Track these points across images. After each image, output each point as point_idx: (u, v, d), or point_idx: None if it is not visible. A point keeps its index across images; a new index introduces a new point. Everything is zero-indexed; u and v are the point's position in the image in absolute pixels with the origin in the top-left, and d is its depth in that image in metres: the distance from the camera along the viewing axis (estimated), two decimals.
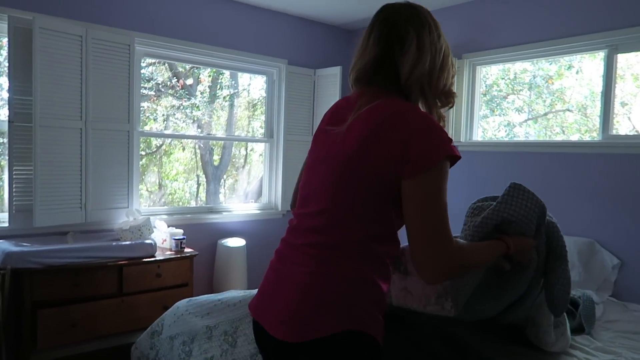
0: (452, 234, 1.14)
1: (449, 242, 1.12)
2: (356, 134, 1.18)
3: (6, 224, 3.09)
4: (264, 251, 4.40)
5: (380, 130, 1.15)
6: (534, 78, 3.78)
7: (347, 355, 1.11)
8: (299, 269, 1.19)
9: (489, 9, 3.73)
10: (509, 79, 3.94)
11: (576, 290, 2.93)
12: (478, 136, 3.93)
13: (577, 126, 3.59)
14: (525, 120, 3.90)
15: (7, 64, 3.04)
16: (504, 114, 3.99)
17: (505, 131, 3.97)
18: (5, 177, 3.15)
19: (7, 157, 3.09)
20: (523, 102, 3.87)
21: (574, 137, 3.53)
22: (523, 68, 3.75)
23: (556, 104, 3.71)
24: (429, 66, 1.20)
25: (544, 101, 3.75)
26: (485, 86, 3.98)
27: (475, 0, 3.81)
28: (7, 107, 3.06)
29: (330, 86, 4.39)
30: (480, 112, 3.95)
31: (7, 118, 3.04)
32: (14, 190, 3.07)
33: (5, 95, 3.11)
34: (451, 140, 1.17)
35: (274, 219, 4.44)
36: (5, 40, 3.18)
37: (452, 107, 1.30)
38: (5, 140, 3.15)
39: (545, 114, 3.76)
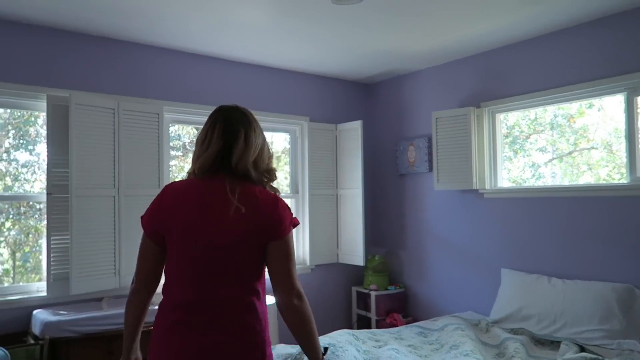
0: None
1: None
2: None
3: (44, 293, 3.18)
4: None
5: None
6: (555, 117, 3.78)
7: None
8: None
9: (503, 57, 3.81)
10: (529, 119, 3.95)
11: (618, 341, 2.83)
12: (503, 181, 3.91)
13: (605, 163, 3.55)
14: (550, 160, 3.87)
15: (45, 140, 3.21)
16: (527, 155, 3.98)
17: (531, 172, 3.94)
18: (44, 247, 3.27)
19: (45, 228, 3.21)
20: (546, 142, 3.86)
21: (602, 173, 3.48)
22: (543, 108, 3.76)
23: (580, 142, 3.68)
24: (254, 153, 1.51)
25: (568, 140, 3.73)
26: (507, 127, 4.00)
27: (489, 50, 3.90)
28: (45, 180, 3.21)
29: (352, 140, 4.47)
30: (504, 154, 3.95)
31: (45, 190, 3.19)
32: (52, 259, 3.17)
33: (44, 166, 3.27)
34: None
35: (304, 274, 4.44)
36: (41, 114, 3.39)
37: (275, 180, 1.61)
38: (44, 210, 3.29)
39: (570, 153, 3.73)
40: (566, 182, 3.65)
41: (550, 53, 3.52)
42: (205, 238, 1.44)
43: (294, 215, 1.57)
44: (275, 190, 1.58)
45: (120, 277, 3.35)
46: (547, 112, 3.80)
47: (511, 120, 4.00)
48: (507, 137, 4.00)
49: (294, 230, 1.56)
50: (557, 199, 3.46)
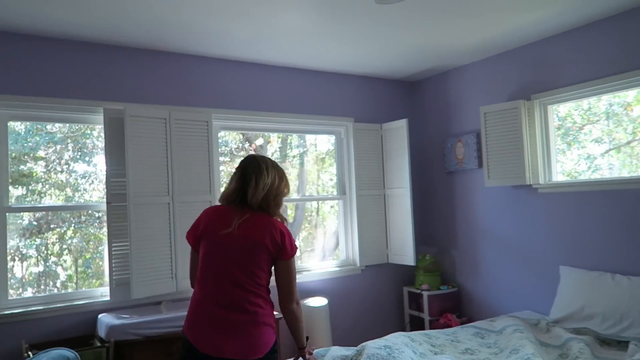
0: None
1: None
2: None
3: (108, 298, 3.32)
4: (346, 308, 4.39)
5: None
6: (610, 106, 3.62)
7: None
8: None
9: (553, 47, 3.68)
10: (582, 109, 3.80)
11: None
12: (558, 175, 3.78)
13: None
14: (607, 151, 3.71)
15: (101, 152, 3.36)
16: (582, 147, 3.82)
17: (586, 164, 3.78)
18: (105, 254, 3.41)
19: (104, 235, 3.36)
20: (602, 132, 3.70)
21: None
22: (597, 97, 3.61)
23: (639, 131, 3.51)
24: (263, 191, 2.05)
25: (625, 129, 3.56)
26: (558, 119, 3.86)
27: (538, 40, 3.77)
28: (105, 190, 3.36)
29: (398, 139, 4.43)
30: (556, 147, 3.81)
31: (105, 200, 3.34)
32: (113, 265, 3.31)
33: (101, 177, 3.42)
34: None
35: (354, 275, 4.44)
36: (97, 127, 3.54)
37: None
38: (103, 218, 3.44)
39: (629, 142, 3.56)
40: (625, 174, 3.48)
41: (603, 40, 3.37)
42: (219, 242, 1.99)
43: (295, 240, 2.10)
44: (283, 219, 2.13)
45: (177, 281, 3.46)
46: (602, 101, 3.64)
47: (563, 111, 3.85)
48: (559, 129, 3.86)
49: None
50: (616, 192, 3.30)
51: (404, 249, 4.39)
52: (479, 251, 4.29)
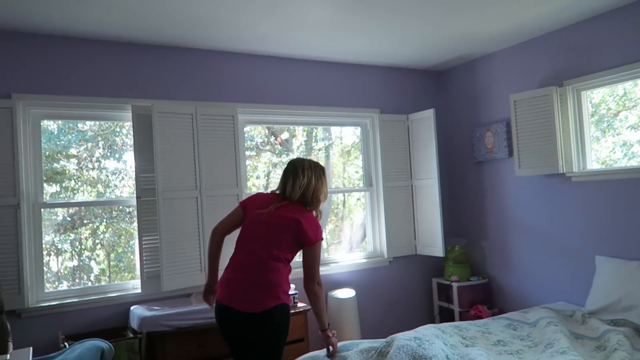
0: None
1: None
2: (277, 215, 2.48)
3: (139, 290, 3.39)
4: (374, 300, 4.37)
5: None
6: None
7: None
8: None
9: (587, 31, 3.55)
10: (617, 95, 3.66)
11: None
12: (592, 164, 3.65)
13: None
14: None
15: (130, 148, 3.42)
16: (617, 134, 3.68)
17: (622, 152, 3.65)
18: (136, 247, 3.48)
19: (135, 230, 3.42)
20: (638, 118, 3.56)
21: None
22: (634, 82, 3.47)
23: None
24: (300, 189, 2.50)
25: None
26: (592, 106, 3.73)
27: (570, 25, 3.65)
28: (134, 186, 3.42)
29: (425, 129, 4.37)
30: (591, 134, 3.69)
31: (135, 195, 3.40)
32: (144, 258, 3.37)
33: (131, 173, 3.48)
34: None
35: (381, 267, 4.41)
36: (126, 124, 3.61)
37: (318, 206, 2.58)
38: (134, 213, 3.50)
39: None
40: None
41: (637, 22, 3.23)
42: (258, 221, 2.46)
43: (322, 231, 2.51)
44: (317, 213, 2.57)
45: (206, 274, 3.49)
46: (638, 86, 3.49)
47: (596, 98, 3.72)
48: (592, 116, 3.73)
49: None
50: None
51: (432, 240, 4.34)
52: (510, 242, 4.20)
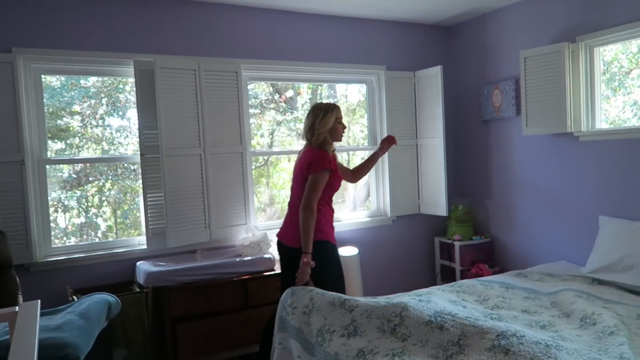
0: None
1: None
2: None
3: (145, 246, 3.44)
4: (377, 258, 4.42)
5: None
6: None
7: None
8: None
9: None
10: (631, 52, 3.55)
11: None
12: (601, 123, 3.59)
13: None
14: None
15: (134, 105, 3.39)
16: (628, 93, 3.60)
17: (632, 111, 3.58)
18: (141, 204, 3.51)
19: (141, 187, 3.44)
20: None
21: None
22: None
23: None
24: (308, 128, 2.84)
25: None
26: (604, 64, 3.63)
27: None
28: (138, 142, 3.41)
29: (432, 87, 4.29)
30: (601, 93, 3.60)
31: (139, 152, 3.39)
32: (149, 215, 3.40)
33: (135, 130, 3.46)
34: (326, 163, 2.73)
35: (385, 226, 4.44)
36: (129, 81, 3.57)
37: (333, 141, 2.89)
38: (138, 170, 3.51)
39: None
40: None
41: None
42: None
43: (323, 164, 2.71)
44: (322, 148, 2.78)
45: (210, 231, 3.53)
46: None
47: (609, 55, 3.61)
48: (604, 74, 3.64)
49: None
50: None
51: (436, 199, 4.34)
52: (514, 201, 4.19)
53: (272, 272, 3.38)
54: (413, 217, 4.58)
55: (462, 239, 4.30)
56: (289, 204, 2.90)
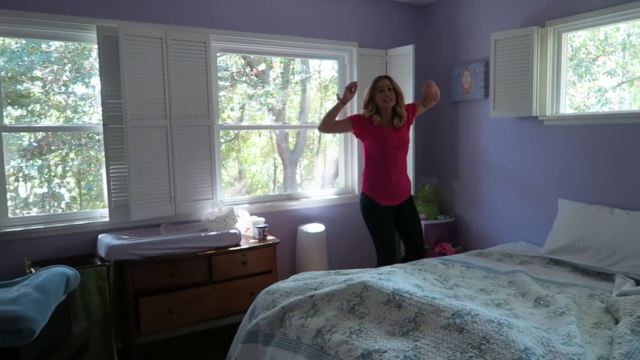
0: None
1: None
2: None
3: (107, 219, 3.38)
4: (343, 235, 4.46)
5: None
6: (628, 37, 3.44)
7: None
8: None
9: None
10: (598, 40, 3.61)
11: None
12: (566, 108, 3.66)
13: None
14: (619, 84, 3.57)
15: (98, 72, 3.27)
16: (593, 79, 3.68)
17: (596, 97, 3.66)
18: (104, 176, 3.43)
19: (103, 158, 3.35)
20: (616, 64, 3.54)
21: None
22: (615, 27, 3.42)
23: None
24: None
25: None
26: (572, 50, 3.68)
27: None
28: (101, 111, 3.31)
29: (404, 65, 4.28)
30: (567, 79, 3.67)
31: (101, 122, 3.29)
32: (111, 187, 3.33)
33: (100, 99, 3.35)
34: (355, 117, 3.50)
35: (352, 203, 4.47)
36: (94, 47, 3.44)
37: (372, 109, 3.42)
38: (101, 141, 3.41)
39: None
40: (635, 108, 3.36)
41: None
42: None
43: (355, 116, 3.52)
44: (367, 113, 3.41)
45: (176, 205, 3.49)
46: (620, 32, 3.45)
47: (577, 41, 3.67)
48: (571, 60, 3.70)
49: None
50: (623, 126, 3.21)
51: None
52: (479, 182, 4.27)
53: (238, 248, 3.37)
54: None
55: (427, 218, 4.37)
56: None
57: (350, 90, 3.33)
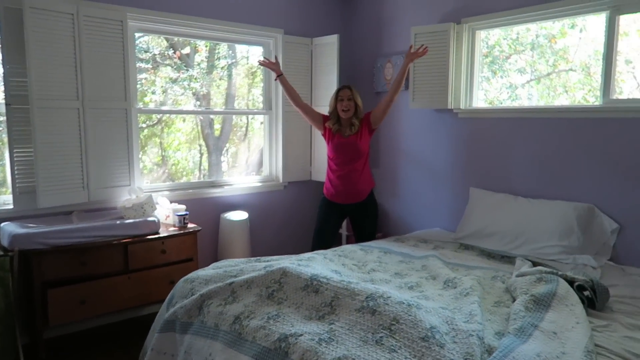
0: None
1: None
2: None
3: (11, 206, 3.15)
4: (266, 223, 4.47)
5: None
6: (537, 37, 3.70)
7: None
8: None
9: None
10: (511, 39, 3.85)
11: (574, 256, 2.97)
12: (479, 102, 3.88)
13: (581, 85, 3.53)
14: (528, 82, 3.84)
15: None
16: (506, 76, 3.92)
17: (508, 93, 3.91)
18: (7, 160, 3.18)
19: (7, 140, 3.11)
20: (526, 63, 3.80)
21: (578, 96, 3.48)
22: (526, 27, 3.66)
23: (559, 64, 3.64)
24: None
25: (547, 61, 3.68)
26: (487, 47, 3.90)
27: None
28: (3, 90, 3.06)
29: (328, 55, 4.32)
30: (482, 74, 3.89)
31: (4, 101, 3.05)
32: (16, 172, 3.10)
33: (0, 76, 3.10)
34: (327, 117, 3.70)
35: (276, 191, 4.48)
36: None
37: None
38: (4, 122, 3.16)
39: (548, 74, 3.70)
40: (542, 104, 3.64)
41: None
42: None
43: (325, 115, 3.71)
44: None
45: (89, 191, 3.32)
46: (530, 32, 3.70)
47: (492, 39, 3.89)
48: (487, 57, 3.92)
49: None
50: (531, 120, 3.46)
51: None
52: (398, 171, 4.43)
53: (157, 236, 3.27)
54: (304, 184, 4.67)
55: None
56: None
57: (270, 66, 3.68)
